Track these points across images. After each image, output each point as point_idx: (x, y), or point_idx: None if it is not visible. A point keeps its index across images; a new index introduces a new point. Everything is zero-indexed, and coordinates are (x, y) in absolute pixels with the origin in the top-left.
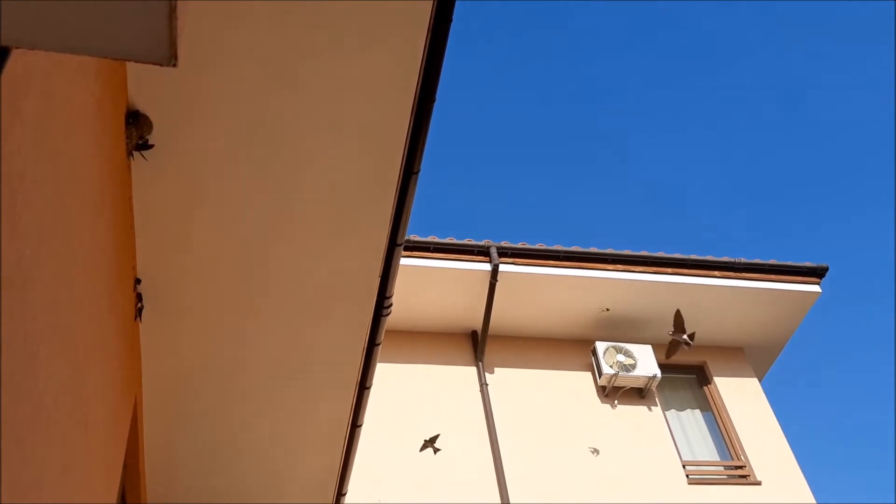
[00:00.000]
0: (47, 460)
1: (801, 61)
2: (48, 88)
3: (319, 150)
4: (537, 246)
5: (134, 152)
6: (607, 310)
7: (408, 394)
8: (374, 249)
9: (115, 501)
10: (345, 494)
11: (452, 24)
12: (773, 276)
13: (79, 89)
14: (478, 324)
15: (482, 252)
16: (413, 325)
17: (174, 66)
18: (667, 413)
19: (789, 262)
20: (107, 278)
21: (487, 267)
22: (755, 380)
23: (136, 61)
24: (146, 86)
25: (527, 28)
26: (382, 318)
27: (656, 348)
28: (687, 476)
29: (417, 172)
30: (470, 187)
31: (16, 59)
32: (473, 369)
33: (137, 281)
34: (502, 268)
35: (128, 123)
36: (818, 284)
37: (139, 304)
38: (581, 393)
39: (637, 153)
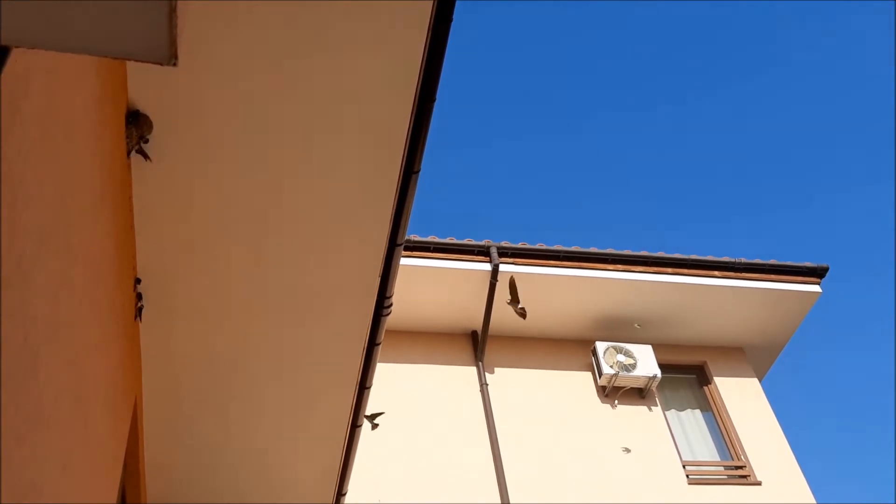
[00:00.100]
0: (47, 460)
1: (801, 61)
2: (48, 88)
3: (319, 149)
4: (537, 246)
5: (134, 152)
6: (638, 326)
7: (408, 394)
8: (374, 249)
9: (115, 501)
10: (345, 494)
11: (453, 23)
12: (773, 276)
13: (79, 89)
14: (478, 324)
15: (482, 252)
16: (413, 325)
17: (174, 65)
18: (667, 413)
19: (789, 262)
20: (107, 278)
21: (487, 267)
22: (755, 380)
23: (137, 61)
24: (146, 86)
25: (527, 28)
26: (382, 318)
27: (656, 348)
28: (687, 476)
29: (418, 172)
30: (470, 187)
31: (16, 59)
32: (473, 369)
33: (137, 281)
34: (502, 268)
35: (128, 123)
36: (818, 284)
37: (139, 304)
38: (581, 393)
39: (637, 153)
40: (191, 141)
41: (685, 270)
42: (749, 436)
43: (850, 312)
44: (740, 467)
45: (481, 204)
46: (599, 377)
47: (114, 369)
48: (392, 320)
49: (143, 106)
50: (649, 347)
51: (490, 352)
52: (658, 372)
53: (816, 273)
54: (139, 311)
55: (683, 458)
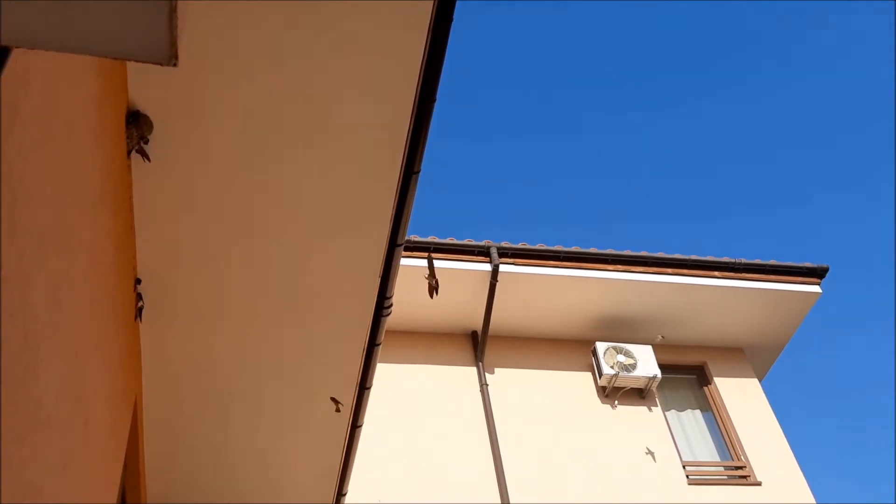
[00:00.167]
0: (47, 460)
1: (801, 61)
2: (48, 88)
3: (319, 149)
4: (537, 246)
5: (134, 152)
6: (662, 337)
7: (408, 394)
8: (374, 249)
9: (115, 501)
10: (345, 494)
11: (453, 24)
12: (773, 277)
13: (79, 89)
14: (478, 324)
15: (482, 252)
16: (413, 325)
17: (174, 65)
18: (667, 413)
19: (789, 263)
20: (107, 278)
21: (487, 267)
22: (755, 380)
23: (137, 61)
24: (146, 86)
25: (527, 28)
26: (382, 318)
27: (656, 349)
28: (687, 476)
29: (418, 172)
30: (470, 187)
31: (16, 59)
32: (473, 369)
33: (137, 281)
34: (502, 268)
35: (128, 123)
36: (818, 285)
37: (139, 304)
38: (581, 393)
39: (637, 153)
40: (191, 141)
41: (685, 271)
42: (749, 436)
43: (850, 312)
44: (740, 467)
45: (481, 204)
46: (599, 377)
47: (114, 369)
48: (392, 320)
49: (144, 106)
50: (649, 348)
51: (490, 352)
52: (658, 372)
53: (816, 273)
54: (139, 311)
55: (683, 459)
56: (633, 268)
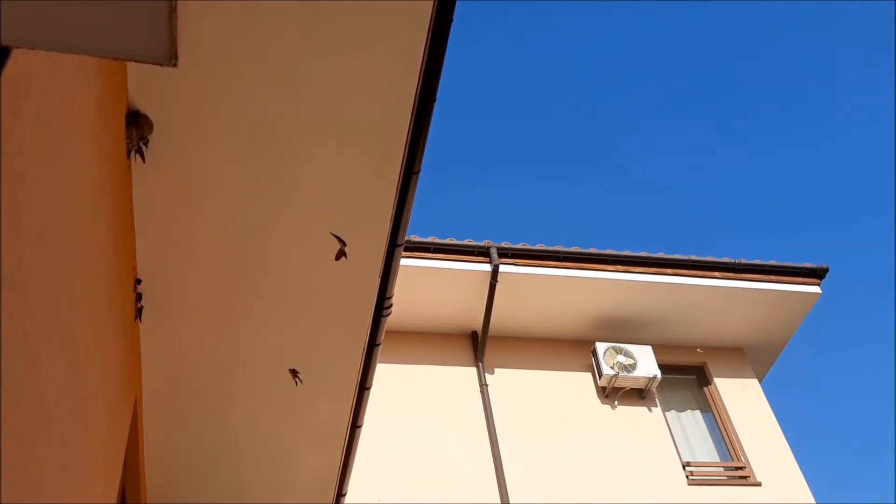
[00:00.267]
0: (47, 460)
1: (802, 61)
2: (48, 88)
3: (319, 150)
4: (537, 246)
5: (134, 153)
6: (700, 350)
7: (408, 394)
8: (374, 250)
9: (115, 501)
10: (345, 494)
11: (453, 24)
12: (773, 277)
13: (79, 89)
14: (478, 324)
15: (482, 253)
16: (413, 326)
17: (174, 65)
18: (667, 414)
19: (789, 263)
20: (107, 278)
21: (487, 267)
22: (755, 380)
23: (137, 61)
24: (146, 86)
25: (526, 28)
26: (382, 318)
27: (656, 349)
28: (687, 477)
29: (418, 173)
30: (470, 188)
31: (16, 59)
32: (473, 370)
33: (137, 281)
34: (502, 268)
35: (128, 123)
36: (818, 285)
37: (139, 304)
38: (581, 393)
39: (637, 153)
40: (191, 141)
41: (685, 271)
42: (749, 436)
43: (850, 313)
44: (740, 468)
45: (481, 204)
46: (599, 378)
47: (114, 369)
48: (392, 321)
49: (144, 106)
50: (649, 348)
51: (490, 352)
52: (658, 373)
53: (816, 274)
54: (139, 311)
55: (683, 459)
56: (632, 268)
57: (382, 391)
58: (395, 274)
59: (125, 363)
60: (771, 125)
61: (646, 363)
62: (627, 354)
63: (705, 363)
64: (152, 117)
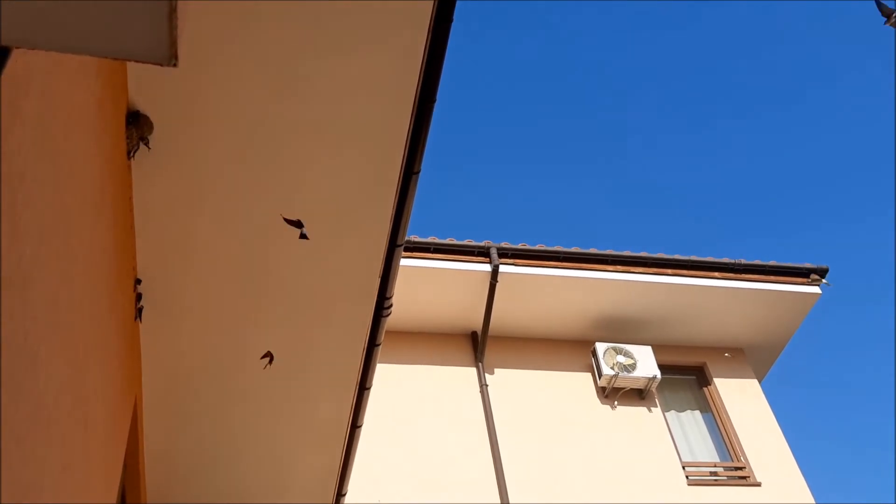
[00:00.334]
0: (47, 460)
1: (802, 61)
2: (48, 88)
3: (319, 150)
4: (537, 247)
5: (140, 144)
6: (728, 355)
7: (408, 394)
8: (374, 250)
9: (115, 501)
10: (345, 494)
11: (453, 24)
12: (773, 277)
13: (79, 89)
14: (478, 324)
15: (482, 253)
16: (413, 326)
17: (174, 65)
18: (667, 414)
19: (789, 263)
20: (107, 278)
21: (487, 268)
22: (755, 381)
23: (137, 61)
24: (146, 86)
25: (526, 28)
26: (382, 318)
27: (656, 349)
28: (687, 477)
29: (418, 173)
30: (470, 188)
31: (16, 59)
32: (473, 370)
33: (137, 281)
34: (502, 268)
35: (128, 124)
36: (818, 285)
37: (139, 304)
38: (581, 394)
39: (636, 153)
40: (191, 141)
41: (685, 271)
42: (749, 437)
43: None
44: (740, 468)
45: (481, 204)
46: (599, 378)
47: (114, 369)
48: (392, 321)
49: (144, 106)
50: (649, 348)
51: (490, 352)
52: (658, 373)
53: (816, 273)
54: (139, 311)
55: (683, 459)
56: (632, 268)
57: (382, 391)
58: (395, 274)
59: (125, 363)
60: (771, 125)
61: (646, 363)
62: (627, 354)
63: (705, 363)
64: (152, 117)
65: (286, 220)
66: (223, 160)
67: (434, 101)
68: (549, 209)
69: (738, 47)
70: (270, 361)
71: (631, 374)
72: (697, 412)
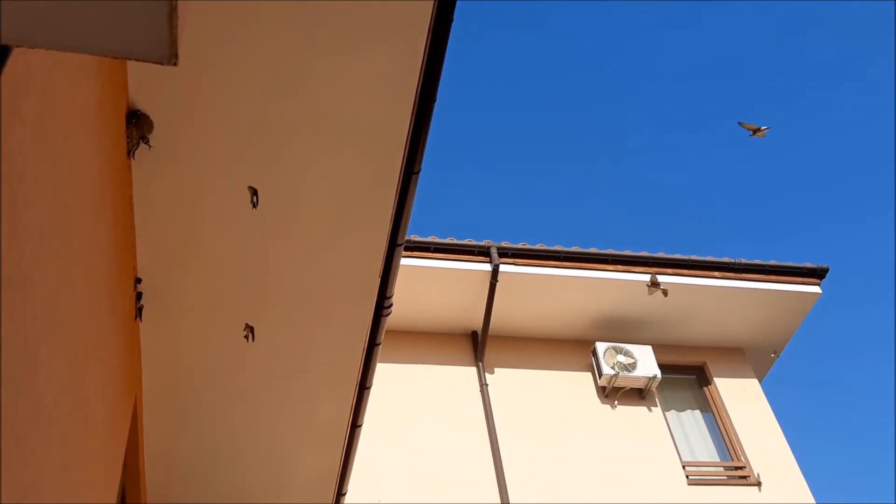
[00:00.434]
0: (47, 460)
1: (802, 61)
2: (49, 87)
3: (319, 150)
4: (537, 246)
5: (140, 142)
6: (773, 354)
7: (408, 394)
8: (374, 249)
9: (115, 501)
10: (345, 494)
11: (453, 24)
12: (773, 277)
13: (79, 89)
14: (478, 324)
15: (482, 252)
16: (413, 325)
17: (175, 64)
18: (667, 413)
19: (789, 263)
20: (107, 278)
21: (488, 267)
22: (755, 380)
23: (137, 60)
24: (147, 85)
25: (526, 28)
26: (382, 318)
27: (656, 349)
28: (687, 477)
29: (418, 173)
30: (470, 188)
31: (16, 58)
32: (473, 369)
33: (138, 280)
34: (502, 268)
35: (128, 123)
36: (818, 285)
37: (139, 304)
38: (581, 393)
39: (637, 153)
40: (191, 141)
41: (685, 271)
42: (749, 436)
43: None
44: (740, 468)
45: (481, 204)
46: (599, 377)
47: (114, 369)
48: (392, 320)
49: (144, 105)
50: (649, 348)
51: (490, 352)
52: (658, 372)
53: (816, 274)
54: (139, 311)
55: (683, 459)
56: (632, 268)
57: (382, 391)
58: (396, 274)
59: (125, 363)
60: (771, 125)
61: (646, 363)
62: (627, 354)
63: (705, 363)
64: (152, 116)
65: (250, 188)
66: (223, 160)
67: (434, 101)
68: (549, 209)
69: (738, 47)
70: (251, 335)
71: (631, 374)
72: (698, 412)
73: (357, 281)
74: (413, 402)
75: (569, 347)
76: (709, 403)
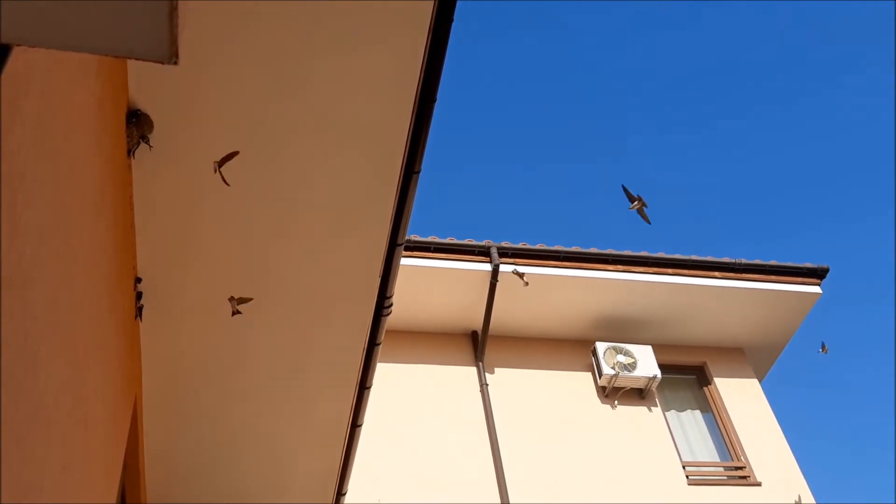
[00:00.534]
0: (47, 460)
1: (802, 61)
2: (49, 87)
3: (320, 150)
4: (538, 246)
5: (140, 142)
6: (821, 351)
7: (408, 394)
8: (374, 249)
9: (115, 501)
10: (345, 494)
11: (453, 24)
12: (773, 277)
13: (79, 88)
14: (478, 324)
15: (483, 252)
16: (413, 325)
17: (175, 64)
18: (667, 414)
19: (790, 263)
20: (107, 278)
21: (488, 267)
22: (755, 380)
23: (137, 59)
24: (147, 85)
25: (527, 28)
26: (383, 318)
27: (656, 349)
28: (687, 477)
29: (418, 172)
30: (470, 188)
31: (17, 57)
32: (473, 369)
33: (138, 280)
34: (503, 268)
35: (129, 123)
36: (818, 285)
37: (139, 304)
38: (581, 393)
39: (637, 153)
40: (191, 141)
41: (685, 271)
42: (749, 436)
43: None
44: (740, 468)
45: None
46: (599, 377)
47: (114, 369)
48: (392, 320)
49: (144, 105)
50: (649, 348)
51: (490, 352)
52: (658, 372)
53: (817, 274)
54: (139, 310)
55: (683, 459)
56: (633, 268)
57: (382, 391)
58: (396, 273)
59: (125, 363)
60: (771, 125)
61: (646, 363)
62: (627, 354)
63: (705, 363)
64: (153, 116)
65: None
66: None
67: (434, 101)
68: (549, 209)
69: (738, 47)
70: (238, 305)
71: (631, 374)
72: (698, 412)
73: (357, 281)
74: (413, 402)
75: (569, 347)
76: (709, 403)
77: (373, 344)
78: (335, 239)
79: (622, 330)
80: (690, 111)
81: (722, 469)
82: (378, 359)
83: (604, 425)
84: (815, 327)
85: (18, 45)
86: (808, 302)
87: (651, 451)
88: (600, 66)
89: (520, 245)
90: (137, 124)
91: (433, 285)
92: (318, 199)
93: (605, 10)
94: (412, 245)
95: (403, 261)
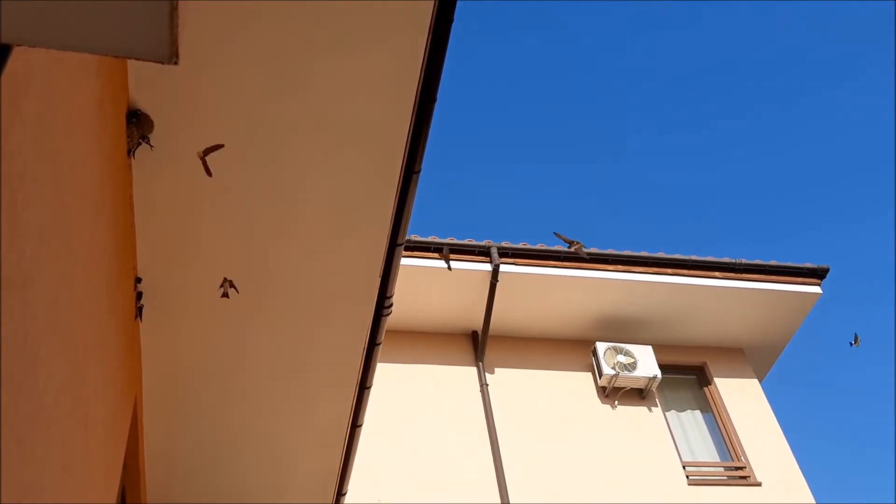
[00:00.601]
0: (47, 460)
1: (802, 61)
2: (49, 87)
3: (320, 149)
4: (538, 246)
5: (140, 142)
6: (853, 343)
7: (408, 394)
8: (374, 249)
9: (115, 501)
10: (345, 494)
11: (453, 24)
12: (773, 277)
13: (79, 88)
14: (478, 324)
15: (483, 252)
16: (413, 325)
17: (175, 64)
18: (667, 414)
19: (790, 263)
20: (107, 278)
21: (488, 267)
22: (755, 380)
23: (138, 59)
24: (147, 85)
25: (527, 28)
26: (383, 318)
27: (656, 349)
28: (687, 477)
29: (418, 172)
30: (470, 187)
31: (17, 57)
32: (474, 369)
33: (138, 280)
34: (503, 268)
35: (129, 123)
36: (819, 285)
37: (139, 304)
38: (581, 393)
39: (637, 153)
40: (191, 140)
41: (685, 271)
42: (749, 436)
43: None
44: (740, 468)
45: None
46: (599, 378)
47: (114, 369)
48: (392, 320)
49: (144, 105)
50: (649, 348)
51: (490, 352)
52: (658, 372)
53: (817, 274)
54: (139, 310)
55: (683, 459)
56: (632, 268)
57: (382, 391)
58: (396, 273)
59: (125, 363)
60: (771, 125)
61: (646, 363)
62: (627, 354)
63: (705, 363)
64: (153, 116)
65: (200, 155)
66: (224, 160)
67: (434, 101)
68: (549, 209)
69: (738, 47)
70: (229, 288)
71: (631, 374)
72: (698, 412)
73: (357, 281)
74: (413, 402)
75: (569, 347)
76: (709, 403)
77: (373, 344)
78: (335, 239)
79: (622, 330)
80: (690, 111)
81: (722, 469)
82: (378, 359)
83: (604, 425)
84: (816, 327)
85: (18, 45)
86: (809, 302)
87: (651, 451)
88: (600, 66)
89: (520, 245)
90: (137, 124)
91: (433, 285)
92: (318, 199)
93: (605, 10)
94: (413, 245)
95: (404, 261)
